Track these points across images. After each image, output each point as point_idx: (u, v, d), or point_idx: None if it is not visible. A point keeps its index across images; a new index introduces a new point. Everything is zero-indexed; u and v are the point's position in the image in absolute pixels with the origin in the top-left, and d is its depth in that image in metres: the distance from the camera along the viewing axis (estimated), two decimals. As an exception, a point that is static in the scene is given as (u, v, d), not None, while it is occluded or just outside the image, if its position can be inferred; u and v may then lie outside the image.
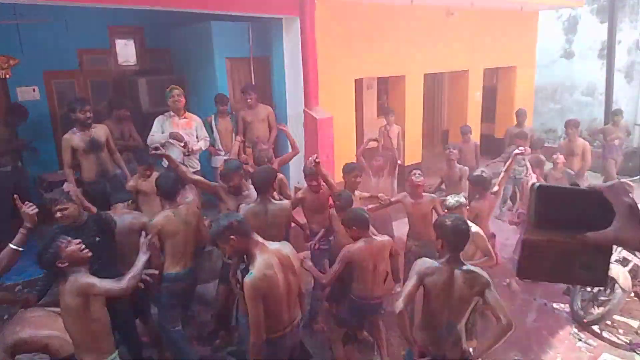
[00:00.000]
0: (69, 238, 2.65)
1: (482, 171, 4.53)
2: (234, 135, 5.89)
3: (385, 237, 3.61)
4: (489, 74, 9.31)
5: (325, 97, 6.33)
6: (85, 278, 2.59)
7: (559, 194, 0.95)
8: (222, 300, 4.08)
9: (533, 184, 0.96)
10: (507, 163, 4.69)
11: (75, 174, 4.74)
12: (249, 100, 5.78)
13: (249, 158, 5.70)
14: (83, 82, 6.49)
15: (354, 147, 7.22)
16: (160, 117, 5.20)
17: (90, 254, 2.66)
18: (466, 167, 5.76)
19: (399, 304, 2.57)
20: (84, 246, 2.65)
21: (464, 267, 2.61)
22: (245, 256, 2.61)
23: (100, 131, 4.74)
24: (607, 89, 9.61)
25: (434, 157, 9.83)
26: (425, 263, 2.68)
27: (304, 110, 6.24)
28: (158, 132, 5.13)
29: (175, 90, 5.14)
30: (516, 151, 4.73)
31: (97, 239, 3.17)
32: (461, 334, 2.67)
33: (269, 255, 2.57)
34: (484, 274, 2.61)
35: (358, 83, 7.51)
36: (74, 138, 4.60)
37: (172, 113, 5.18)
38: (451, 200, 3.88)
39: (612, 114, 8.09)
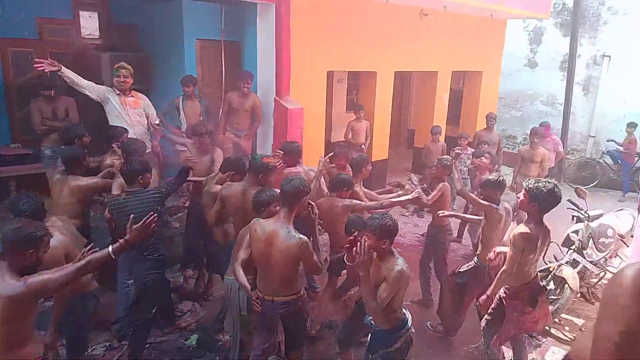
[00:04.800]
0: None
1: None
2: (201, 118, 5.76)
3: None
4: (456, 77, 9.52)
5: (296, 88, 6.28)
6: None
7: None
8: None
9: None
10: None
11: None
12: (244, 89, 5.84)
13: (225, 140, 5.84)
14: (42, 52, 6.14)
15: (323, 139, 7.22)
16: (109, 89, 4.93)
17: None
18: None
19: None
20: None
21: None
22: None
23: None
24: (566, 100, 10.03)
25: (398, 156, 10.00)
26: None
27: (274, 99, 6.18)
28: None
29: (122, 70, 4.85)
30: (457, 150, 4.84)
31: None
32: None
33: None
34: None
35: (329, 76, 7.50)
36: None
37: (117, 90, 4.91)
38: None
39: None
